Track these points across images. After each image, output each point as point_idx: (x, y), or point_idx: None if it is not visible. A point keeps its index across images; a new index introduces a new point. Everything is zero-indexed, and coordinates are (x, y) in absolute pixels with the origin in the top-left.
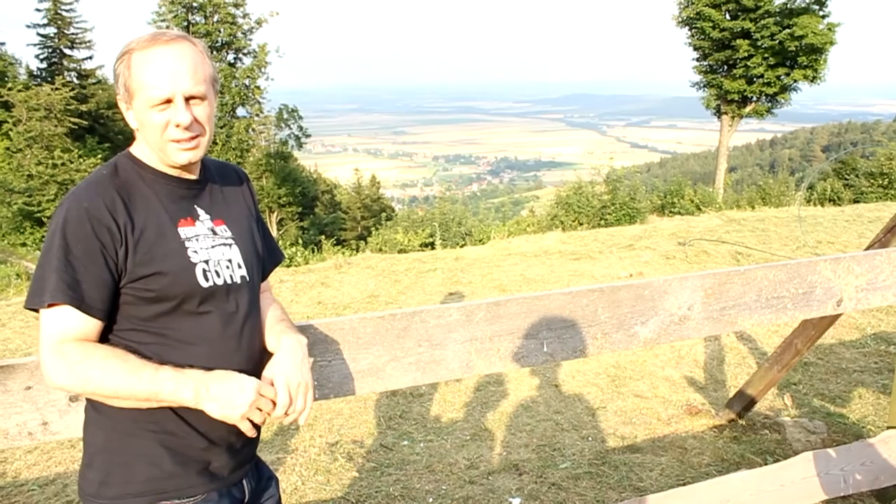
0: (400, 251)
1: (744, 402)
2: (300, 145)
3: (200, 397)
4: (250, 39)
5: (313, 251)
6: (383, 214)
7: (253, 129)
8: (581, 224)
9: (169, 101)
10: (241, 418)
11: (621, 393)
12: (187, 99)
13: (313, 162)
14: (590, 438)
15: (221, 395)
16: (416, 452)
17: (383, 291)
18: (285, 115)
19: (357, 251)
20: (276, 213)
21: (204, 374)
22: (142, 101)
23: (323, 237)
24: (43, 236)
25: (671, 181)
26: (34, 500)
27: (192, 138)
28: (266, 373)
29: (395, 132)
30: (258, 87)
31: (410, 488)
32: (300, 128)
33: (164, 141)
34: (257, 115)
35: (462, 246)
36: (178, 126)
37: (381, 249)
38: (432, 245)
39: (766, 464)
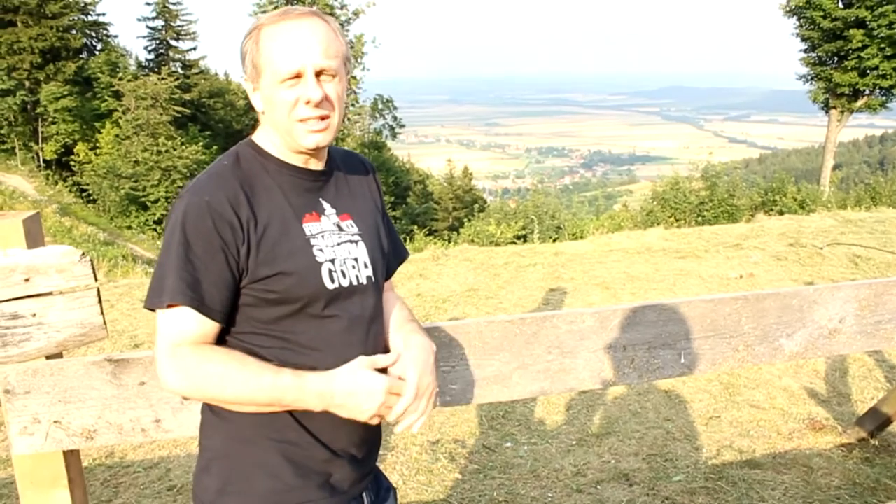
0: (492, 243)
1: (877, 421)
2: (394, 135)
3: (327, 404)
4: (347, 30)
5: (405, 241)
6: (475, 206)
7: (348, 119)
8: (677, 220)
9: (299, 77)
10: (368, 419)
11: (736, 402)
12: (318, 74)
13: (406, 152)
14: (704, 450)
15: (348, 400)
16: (520, 456)
17: (482, 285)
18: (380, 105)
19: (449, 242)
20: None
21: (328, 380)
22: (270, 77)
23: (415, 227)
24: (146, 220)
25: (772, 178)
26: (139, 482)
27: (322, 119)
28: (397, 367)
29: (488, 123)
30: (354, 78)
31: (515, 494)
32: (394, 118)
33: (291, 121)
34: (353, 104)
35: (555, 240)
36: (307, 103)
37: (473, 241)
38: (525, 238)
39: None
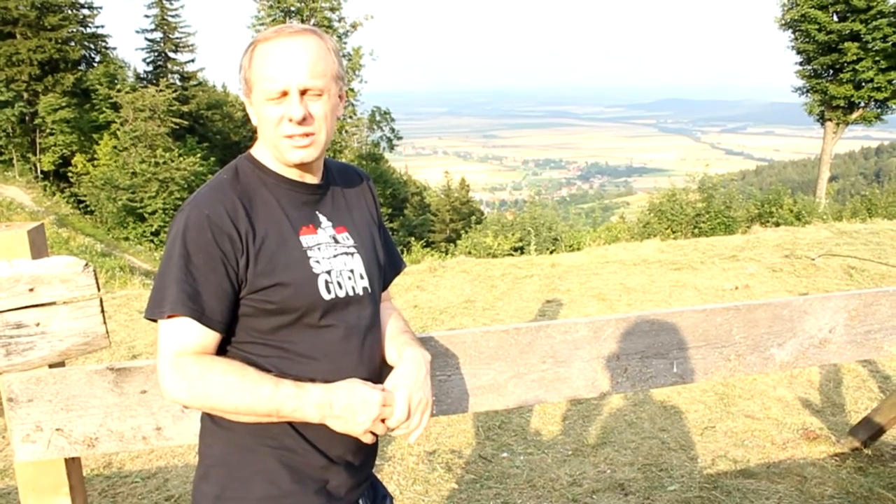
0: (489, 255)
1: (870, 431)
2: (391, 147)
3: (324, 416)
4: (345, 43)
5: (402, 252)
6: (472, 217)
7: (346, 131)
8: (674, 232)
9: (285, 94)
10: (363, 433)
11: (731, 412)
12: (303, 93)
13: (404, 164)
14: (698, 460)
15: (345, 413)
16: (516, 466)
17: (479, 297)
18: (377, 118)
19: (446, 254)
20: None
21: (327, 391)
22: (258, 93)
23: (412, 239)
24: (144, 231)
25: (769, 190)
26: (137, 492)
27: (305, 135)
28: (388, 384)
29: (486, 135)
30: (352, 90)
31: (511, 503)
32: (392, 130)
33: (277, 136)
34: (350, 116)
35: (552, 252)
36: (290, 121)
37: (470, 252)
38: (521, 250)
39: None
